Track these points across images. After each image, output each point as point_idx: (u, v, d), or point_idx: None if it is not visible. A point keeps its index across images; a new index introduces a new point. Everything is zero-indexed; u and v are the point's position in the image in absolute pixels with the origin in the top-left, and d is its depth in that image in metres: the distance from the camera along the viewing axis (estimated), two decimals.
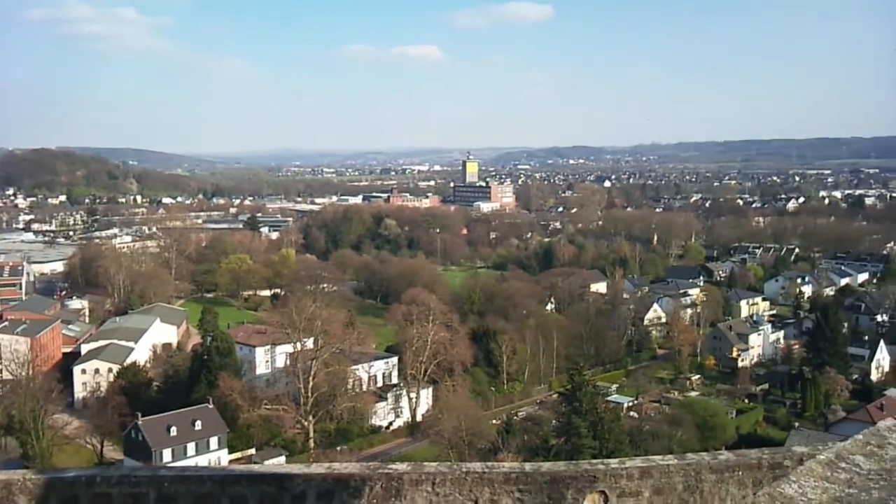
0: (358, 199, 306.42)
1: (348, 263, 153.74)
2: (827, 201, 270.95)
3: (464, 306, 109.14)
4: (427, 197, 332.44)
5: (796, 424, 77.11)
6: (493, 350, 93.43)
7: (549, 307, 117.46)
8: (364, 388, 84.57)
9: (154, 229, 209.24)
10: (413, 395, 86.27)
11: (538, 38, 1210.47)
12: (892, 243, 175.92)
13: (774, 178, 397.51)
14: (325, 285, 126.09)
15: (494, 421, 79.07)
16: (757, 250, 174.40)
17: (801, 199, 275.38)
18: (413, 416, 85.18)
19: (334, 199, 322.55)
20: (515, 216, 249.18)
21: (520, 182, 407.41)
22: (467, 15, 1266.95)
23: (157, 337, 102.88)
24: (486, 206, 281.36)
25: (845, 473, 3.96)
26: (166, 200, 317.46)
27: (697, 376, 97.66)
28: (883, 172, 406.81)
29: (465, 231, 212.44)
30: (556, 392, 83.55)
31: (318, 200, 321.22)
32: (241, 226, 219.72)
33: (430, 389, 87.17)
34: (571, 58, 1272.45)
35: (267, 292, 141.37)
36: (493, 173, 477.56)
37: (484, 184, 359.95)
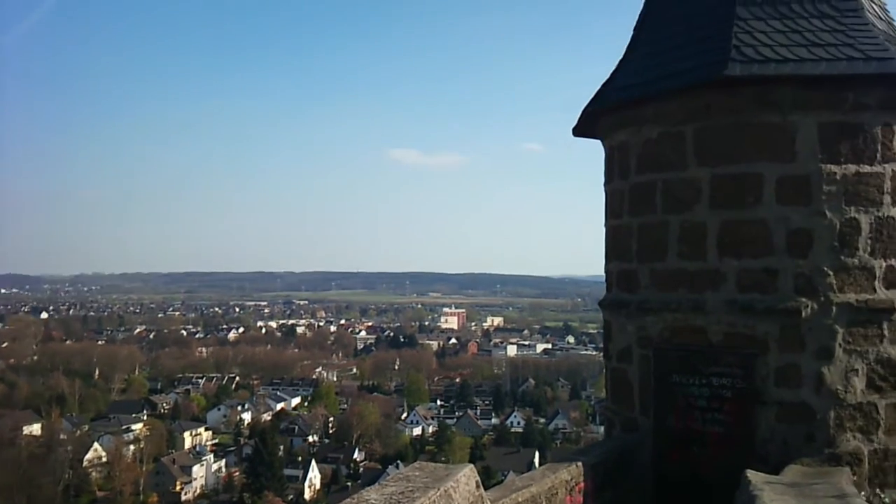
0: None
1: None
2: (264, 330, 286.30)
3: None
4: None
5: None
6: None
7: None
8: None
9: None
10: None
11: None
12: (320, 368, 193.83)
13: (217, 308, 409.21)
14: None
15: None
16: (200, 380, 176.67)
17: (241, 329, 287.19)
18: None
19: None
20: None
21: None
22: None
23: None
24: None
25: None
26: None
27: None
28: (312, 304, 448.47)
29: None
30: None
31: None
32: None
33: None
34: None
35: None
36: None
37: None
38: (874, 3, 7.27)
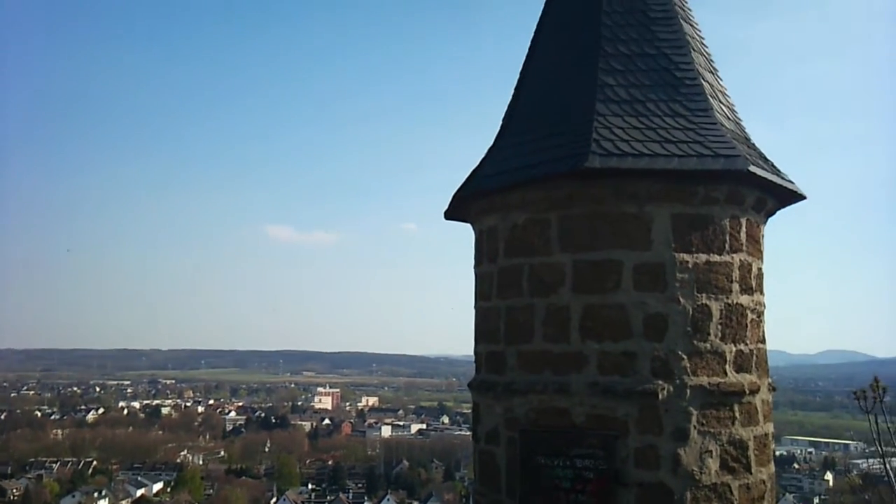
0: None
1: None
2: (126, 412, 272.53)
3: None
4: None
5: None
6: None
7: None
8: None
9: None
10: None
11: None
12: (185, 451, 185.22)
13: (75, 388, 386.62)
14: None
15: None
16: (54, 465, 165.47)
17: (101, 410, 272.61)
18: None
19: None
20: None
21: None
22: None
23: None
24: None
25: None
26: None
27: None
28: (179, 383, 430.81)
29: None
30: None
31: None
32: None
33: None
34: None
35: None
36: None
37: None
38: (723, 104, 7.86)
